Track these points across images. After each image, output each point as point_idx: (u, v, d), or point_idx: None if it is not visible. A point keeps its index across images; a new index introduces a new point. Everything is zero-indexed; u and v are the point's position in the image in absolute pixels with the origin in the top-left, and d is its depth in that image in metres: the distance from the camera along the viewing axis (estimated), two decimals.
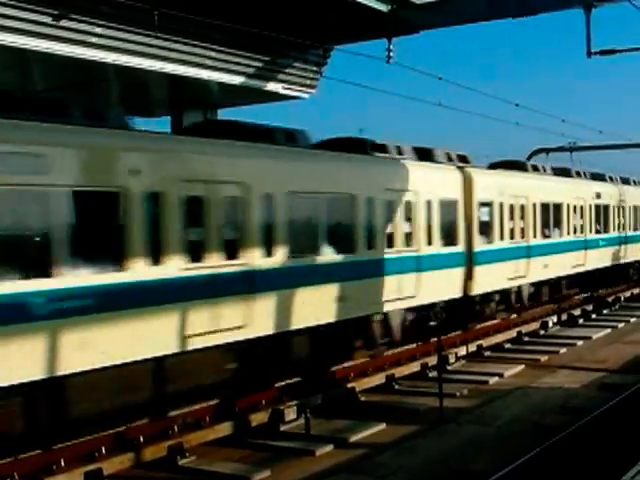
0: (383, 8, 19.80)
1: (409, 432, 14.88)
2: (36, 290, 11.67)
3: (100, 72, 18.59)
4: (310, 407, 15.19)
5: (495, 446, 13.85)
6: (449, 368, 20.10)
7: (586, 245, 30.69)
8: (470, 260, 22.61)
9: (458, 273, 22.19)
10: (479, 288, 23.00)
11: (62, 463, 12.22)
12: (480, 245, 23.05)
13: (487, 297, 23.96)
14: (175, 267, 13.72)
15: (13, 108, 12.53)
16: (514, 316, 26.43)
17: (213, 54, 19.96)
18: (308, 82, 23.23)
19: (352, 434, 14.56)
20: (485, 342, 23.21)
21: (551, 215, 27.84)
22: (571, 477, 11.63)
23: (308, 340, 17.10)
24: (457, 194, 22.36)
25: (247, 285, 15.12)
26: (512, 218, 24.98)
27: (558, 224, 28.49)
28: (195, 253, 14.20)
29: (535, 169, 29.55)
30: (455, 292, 22.15)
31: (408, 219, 19.95)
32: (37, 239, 12.17)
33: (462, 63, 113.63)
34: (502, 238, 24.32)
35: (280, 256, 15.99)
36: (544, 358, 21.93)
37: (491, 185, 23.98)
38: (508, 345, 24.05)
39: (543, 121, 49.66)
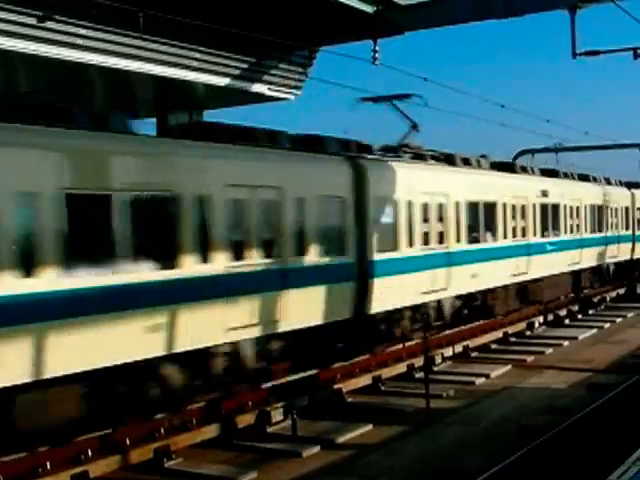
0: (368, 9, 19.84)
1: (396, 433, 14.88)
2: None
3: (85, 73, 18.54)
4: (297, 408, 15.16)
5: (482, 446, 13.85)
6: (435, 369, 20.12)
7: None
8: (633, 240, 39.68)
9: (629, 246, 39.10)
10: (636, 255, 40.15)
11: (48, 466, 12.16)
12: (637, 232, 40.33)
13: (636, 261, 40.55)
14: None
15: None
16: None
17: (198, 55, 19.96)
18: (293, 83, 23.25)
19: (339, 435, 14.55)
20: (471, 343, 23.23)
21: None
22: (558, 477, 11.65)
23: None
24: (628, 203, 39.48)
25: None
26: None
27: None
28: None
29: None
30: (627, 256, 39.02)
31: (615, 216, 37.12)
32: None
33: (447, 63, 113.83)
34: None
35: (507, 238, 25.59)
36: (530, 358, 21.97)
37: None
38: (494, 346, 24.08)
39: (529, 122, 49.82)
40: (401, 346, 21.05)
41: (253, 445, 14.18)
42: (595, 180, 36.88)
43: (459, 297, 22.87)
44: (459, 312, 23.21)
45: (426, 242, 20.70)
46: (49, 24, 16.24)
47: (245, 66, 21.41)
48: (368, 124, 31.13)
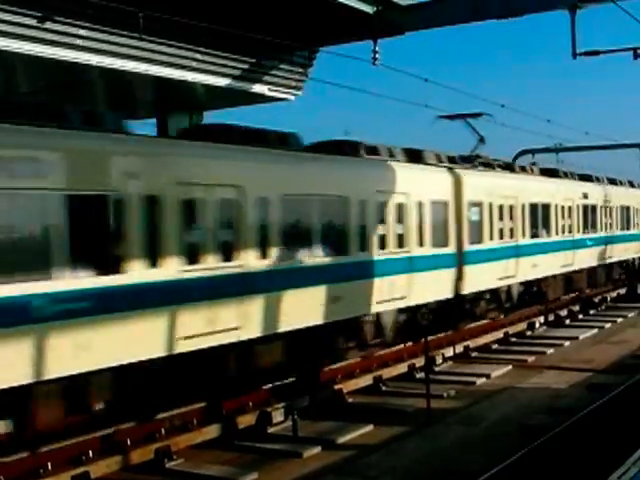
0: (368, 9, 19.82)
1: (397, 433, 14.89)
2: None
3: (84, 74, 18.51)
4: (297, 409, 15.16)
5: (483, 447, 13.86)
6: (436, 369, 20.14)
7: None
8: None
9: None
10: None
11: (49, 466, 12.17)
12: None
13: None
14: None
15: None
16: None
17: (199, 56, 19.92)
18: (294, 84, 23.22)
19: (340, 436, 14.55)
20: (472, 343, 23.25)
21: None
22: (558, 477, 11.65)
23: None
24: None
25: None
26: None
27: None
28: None
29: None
30: None
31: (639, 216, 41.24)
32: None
33: (448, 63, 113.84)
34: None
35: None
36: (531, 359, 21.98)
37: None
38: (495, 346, 24.10)
39: (529, 122, 49.84)
40: (402, 346, 21.10)
41: (254, 446, 14.19)
42: (621, 183, 40.69)
43: (522, 283, 26.81)
44: (522, 296, 27.18)
45: (501, 237, 24.99)
46: (48, 25, 16.22)
47: (245, 66, 21.38)
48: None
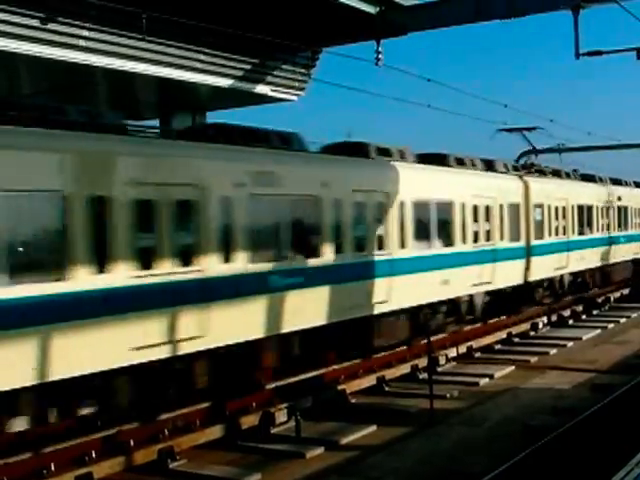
0: (371, 10, 19.84)
1: (400, 434, 14.87)
2: None
3: (88, 75, 18.53)
4: (300, 409, 15.16)
5: (486, 447, 13.84)
6: (439, 370, 20.11)
7: None
8: None
9: None
10: None
11: (52, 467, 12.17)
12: None
13: None
14: None
15: None
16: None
17: (202, 57, 19.95)
18: (297, 84, 23.25)
19: (343, 436, 14.54)
20: (475, 343, 23.21)
21: None
22: (562, 478, 11.63)
23: None
24: None
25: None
26: None
27: None
28: None
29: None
30: None
31: None
32: None
33: (450, 63, 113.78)
34: None
35: None
36: (534, 359, 21.95)
37: None
38: (498, 346, 24.07)
39: (532, 122, 49.73)
40: (405, 347, 21.09)
41: (257, 446, 14.18)
42: None
43: (571, 274, 31.03)
44: (570, 285, 31.28)
45: (556, 233, 29.32)
46: (52, 26, 16.24)
47: (248, 67, 21.41)
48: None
